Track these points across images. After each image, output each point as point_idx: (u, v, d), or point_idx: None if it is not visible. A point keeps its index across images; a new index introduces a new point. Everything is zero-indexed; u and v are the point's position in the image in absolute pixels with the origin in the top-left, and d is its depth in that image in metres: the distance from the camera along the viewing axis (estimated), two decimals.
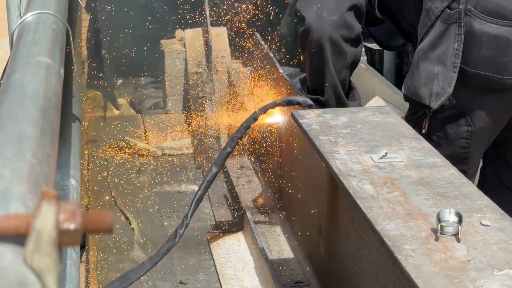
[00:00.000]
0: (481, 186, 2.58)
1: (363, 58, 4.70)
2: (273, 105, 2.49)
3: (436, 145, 2.42)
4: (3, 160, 0.87)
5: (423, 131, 2.44)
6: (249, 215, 2.91)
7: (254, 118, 2.52)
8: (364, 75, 4.11)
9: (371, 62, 4.82)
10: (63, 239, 0.72)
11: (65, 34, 1.52)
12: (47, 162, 0.92)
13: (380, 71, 4.63)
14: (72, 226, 0.72)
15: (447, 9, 2.37)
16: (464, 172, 2.39)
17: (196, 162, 3.99)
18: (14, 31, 1.49)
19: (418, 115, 2.49)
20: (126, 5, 5.32)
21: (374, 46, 3.08)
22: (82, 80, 4.21)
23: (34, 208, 0.78)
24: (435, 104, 2.40)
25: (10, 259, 0.70)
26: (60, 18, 1.49)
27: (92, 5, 4.46)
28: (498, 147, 2.59)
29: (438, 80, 2.38)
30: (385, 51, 4.70)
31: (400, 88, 4.07)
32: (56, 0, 1.64)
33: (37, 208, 0.73)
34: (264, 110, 2.50)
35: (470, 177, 2.49)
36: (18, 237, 0.72)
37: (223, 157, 2.50)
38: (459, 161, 2.43)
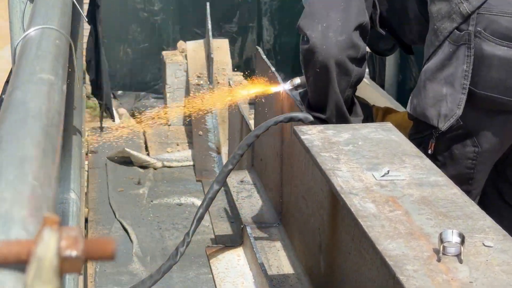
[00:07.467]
0: (481, 201, 2.57)
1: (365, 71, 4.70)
2: (275, 122, 2.47)
3: (442, 165, 2.40)
4: (4, 182, 0.86)
5: (429, 152, 2.42)
6: (249, 230, 2.89)
7: (255, 135, 2.50)
8: (366, 90, 4.11)
9: (373, 76, 4.82)
10: (64, 266, 0.71)
11: (68, 49, 1.51)
12: (48, 183, 0.91)
13: (382, 85, 4.63)
14: (74, 253, 0.71)
15: (456, 30, 2.34)
16: (468, 192, 2.37)
17: (196, 174, 3.98)
18: (16, 45, 1.49)
19: (423, 135, 2.47)
20: (129, 15, 5.32)
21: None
22: (84, 91, 4.21)
23: (35, 233, 0.77)
24: (443, 126, 2.37)
25: (10, 286, 0.69)
26: (63, 33, 1.49)
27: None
28: (499, 162, 2.58)
29: (446, 101, 2.36)
30: (386, 65, 4.70)
31: (401, 103, 4.08)
32: (59, 14, 1.64)
33: (38, 234, 0.72)
34: (265, 127, 2.48)
35: (474, 197, 2.47)
36: (19, 264, 0.71)
37: (224, 175, 2.48)
38: (464, 181, 2.41)
